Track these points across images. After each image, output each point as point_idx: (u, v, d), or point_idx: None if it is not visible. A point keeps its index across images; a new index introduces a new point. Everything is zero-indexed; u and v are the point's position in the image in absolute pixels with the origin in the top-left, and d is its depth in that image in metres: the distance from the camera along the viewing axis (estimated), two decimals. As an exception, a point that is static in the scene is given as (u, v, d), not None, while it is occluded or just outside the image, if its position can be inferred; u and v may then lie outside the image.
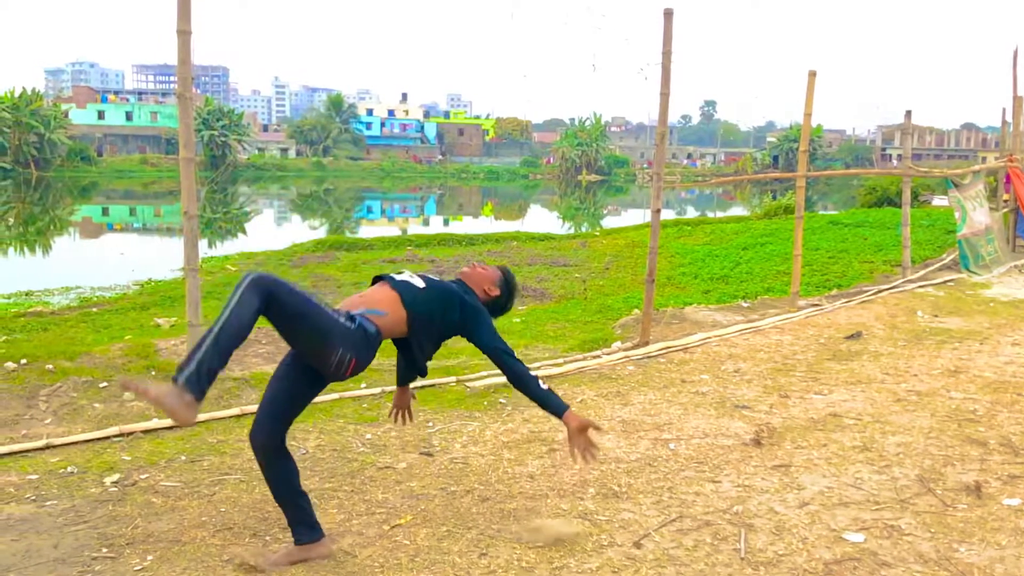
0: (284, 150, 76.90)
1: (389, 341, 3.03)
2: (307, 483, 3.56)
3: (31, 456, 3.88)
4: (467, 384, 5.14)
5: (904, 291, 8.77)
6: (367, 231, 24.44)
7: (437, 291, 3.04)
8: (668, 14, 6.07)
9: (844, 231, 14.00)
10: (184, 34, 4.70)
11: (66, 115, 60.72)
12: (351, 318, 2.82)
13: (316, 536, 2.90)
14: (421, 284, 3.03)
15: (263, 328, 6.12)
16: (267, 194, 49.21)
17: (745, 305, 8.12)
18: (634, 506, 3.41)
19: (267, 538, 3.09)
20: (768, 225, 15.91)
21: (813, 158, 61.13)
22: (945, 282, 9.33)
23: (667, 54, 6.12)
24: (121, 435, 4.14)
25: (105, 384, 4.86)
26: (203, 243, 17.96)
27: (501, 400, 4.88)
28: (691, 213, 34.00)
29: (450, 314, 3.04)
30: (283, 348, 3.36)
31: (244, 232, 24.06)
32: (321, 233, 22.44)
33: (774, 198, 24.22)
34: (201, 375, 2.45)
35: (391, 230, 23.70)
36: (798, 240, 8.05)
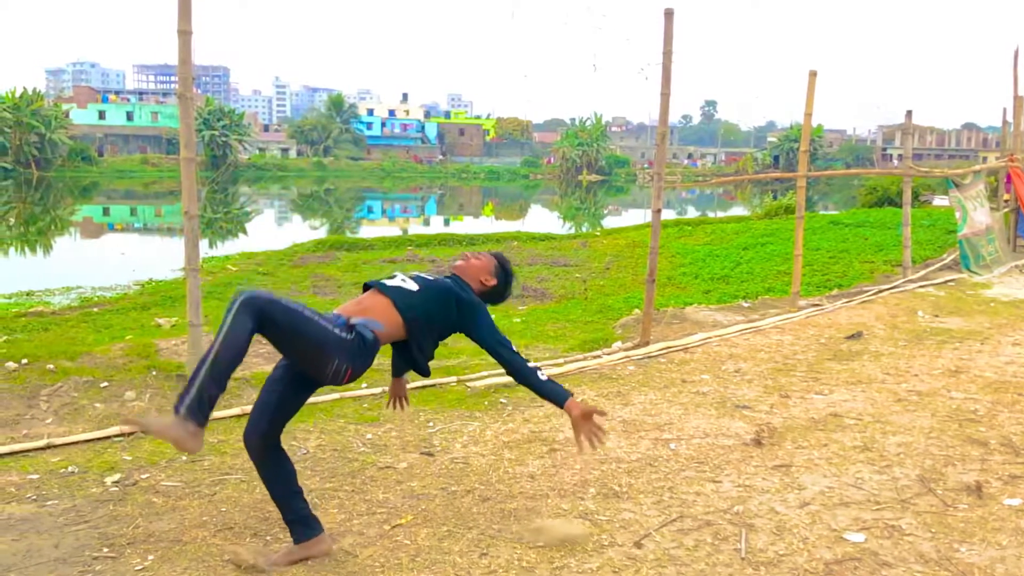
0: (285, 150, 76.93)
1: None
2: (308, 483, 3.57)
3: (32, 456, 3.88)
4: (468, 384, 5.14)
5: (905, 291, 8.77)
6: (368, 231, 24.45)
7: (432, 292, 3.01)
8: (669, 14, 6.07)
9: (845, 231, 14.00)
10: (185, 34, 4.71)
11: (67, 115, 60.79)
12: (348, 328, 2.79)
13: (315, 532, 2.90)
14: (414, 287, 2.99)
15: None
16: (268, 194, 49.22)
17: (746, 305, 8.12)
18: (635, 506, 3.41)
19: (268, 538, 3.10)
20: (769, 225, 15.91)
21: (814, 158, 61.08)
22: (946, 282, 9.32)
23: (668, 54, 6.12)
24: (122, 435, 4.15)
25: (106, 384, 4.86)
26: (204, 243, 17.96)
27: (502, 400, 4.88)
28: (692, 213, 34.00)
29: (448, 313, 3.01)
30: (284, 348, 3.36)
31: (245, 232, 24.07)
32: (322, 233, 22.44)
33: (775, 198, 24.18)
34: (202, 403, 2.48)
35: (392, 230, 23.70)
36: (799, 240, 8.05)
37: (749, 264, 11.39)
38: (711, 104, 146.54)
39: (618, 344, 6.32)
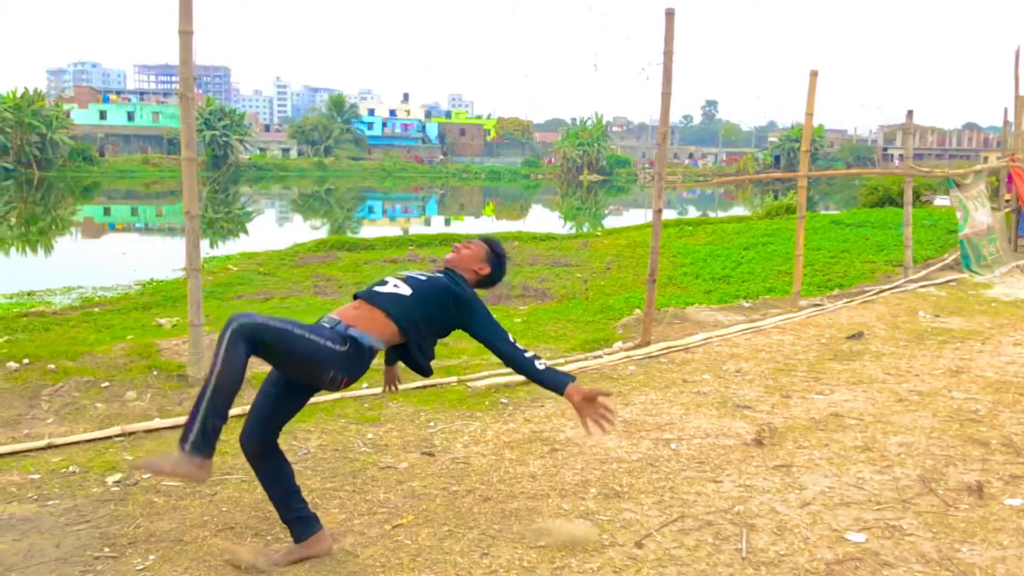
0: (286, 150, 76.99)
1: None
2: (309, 483, 3.57)
3: (33, 456, 3.88)
4: (468, 384, 5.14)
5: (906, 291, 8.76)
6: (369, 231, 24.45)
7: (427, 293, 2.95)
8: (669, 14, 6.07)
9: (846, 231, 13.99)
10: (186, 34, 4.71)
11: (68, 115, 60.86)
12: (344, 339, 2.76)
13: (314, 530, 2.90)
14: (408, 291, 2.94)
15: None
16: (268, 194, 49.23)
17: (747, 305, 8.12)
18: (636, 506, 3.41)
19: (268, 537, 3.10)
20: (769, 225, 15.91)
21: (815, 158, 61.12)
22: (947, 282, 9.32)
23: (668, 54, 6.12)
24: (123, 435, 4.15)
25: (107, 384, 4.86)
26: (205, 243, 17.98)
27: (503, 400, 4.88)
28: (693, 213, 34.00)
29: (446, 311, 2.98)
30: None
31: (246, 232, 24.07)
32: (323, 233, 22.44)
33: (776, 198, 24.17)
34: (207, 435, 2.52)
35: (393, 230, 23.69)
36: (800, 240, 8.05)
37: (750, 264, 11.39)
38: (712, 104, 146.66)
39: (619, 344, 6.32)
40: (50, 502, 3.38)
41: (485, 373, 5.34)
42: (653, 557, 2.98)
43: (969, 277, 9.66)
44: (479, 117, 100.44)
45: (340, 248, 14.72)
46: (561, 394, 2.89)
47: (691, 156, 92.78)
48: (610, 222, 27.31)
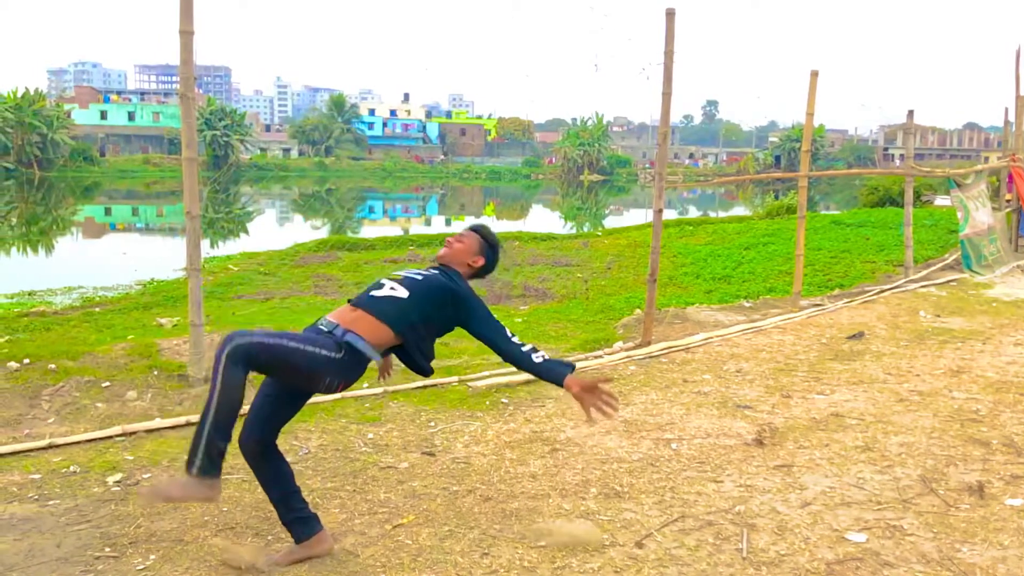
0: (286, 150, 77.02)
1: None
2: (309, 483, 3.57)
3: (34, 456, 3.88)
4: (469, 384, 5.14)
5: (906, 291, 8.76)
6: (369, 231, 24.45)
7: (424, 293, 2.92)
8: (670, 14, 6.07)
9: (846, 231, 13.99)
10: (186, 34, 4.71)
11: (69, 115, 60.91)
12: (339, 346, 2.74)
13: (315, 530, 2.90)
14: (404, 293, 2.90)
15: (265, 328, 6.13)
16: (269, 194, 49.25)
17: (747, 305, 8.12)
18: (636, 506, 3.41)
19: (269, 537, 3.10)
20: (770, 225, 15.90)
21: (815, 158, 61.02)
22: (947, 282, 9.32)
23: (669, 54, 6.12)
24: (124, 435, 4.15)
25: (108, 384, 4.86)
26: (205, 243, 17.97)
27: (503, 400, 4.88)
28: (693, 213, 34.00)
29: (443, 310, 2.94)
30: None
31: (246, 232, 24.08)
32: (323, 233, 22.44)
33: (776, 198, 24.17)
34: (212, 458, 2.56)
35: (393, 230, 23.69)
36: (800, 240, 8.04)
37: (751, 264, 11.39)
38: (712, 104, 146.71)
39: (619, 344, 6.32)
40: (51, 502, 3.38)
41: (486, 373, 5.34)
42: (654, 557, 2.98)
43: (970, 277, 9.66)
44: (480, 117, 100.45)
45: (341, 248, 14.72)
46: (561, 385, 2.85)
47: (692, 156, 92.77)
48: (611, 222, 27.31)
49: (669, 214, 24.35)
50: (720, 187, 56.83)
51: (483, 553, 2.98)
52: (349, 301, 2.95)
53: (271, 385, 2.88)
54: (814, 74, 7.88)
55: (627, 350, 6.11)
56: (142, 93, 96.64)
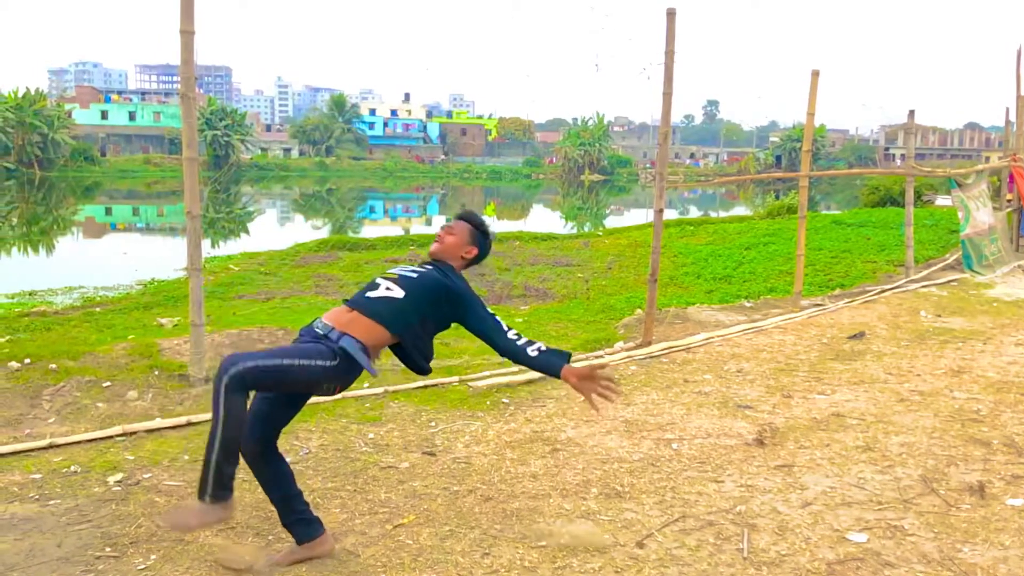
0: (287, 150, 77.05)
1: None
2: (310, 483, 3.57)
3: (34, 455, 3.88)
4: (470, 384, 5.14)
5: (907, 291, 8.76)
6: (370, 231, 24.45)
7: (419, 292, 2.89)
8: (671, 14, 6.06)
9: (847, 231, 13.98)
10: (187, 34, 4.71)
11: (69, 115, 60.94)
12: (335, 353, 2.72)
13: (317, 533, 2.90)
14: (400, 293, 2.86)
15: (265, 328, 6.12)
16: (270, 194, 49.27)
17: (748, 305, 8.11)
18: (637, 506, 3.41)
19: (270, 537, 3.10)
20: (771, 225, 15.89)
21: (816, 158, 61.05)
22: (948, 282, 9.31)
23: (670, 54, 6.12)
24: (124, 434, 4.15)
25: (108, 384, 4.87)
26: (206, 243, 17.98)
27: (504, 400, 4.88)
28: (694, 213, 33.99)
29: (439, 308, 2.91)
30: (286, 348, 3.35)
31: (247, 232, 24.08)
32: (324, 233, 22.44)
33: (777, 198, 24.19)
34: (224, 483, 2.59)
35: (394, 230, 23.68)
36: (801, 240, 8.04)
37: (751, 264, 11.38)
38: (713, 104, 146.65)
39: (620, 344, 6.32)
40: (52, 502, 3.38)
41: (486, 373, 5.34)
42: (654, 557, 2.97)
43: (971, 277, 9.66)
44: (480, 117, 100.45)
45: (341, 248, 14.72)
46: (558, 377, 2.82)
47: (692, 156, 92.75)
48: (611, 222, 27.31)
49: (670, 214, 24.34)
50: (721, 187, 56.82)
51: (484, 553, 2.98)
52: (345, 301, 2.93)
53: None
54: (815, 74, 7.88)
55: (628, 350, 6.11)
56: (143, 93, 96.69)
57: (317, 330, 2.82)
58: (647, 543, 3.08)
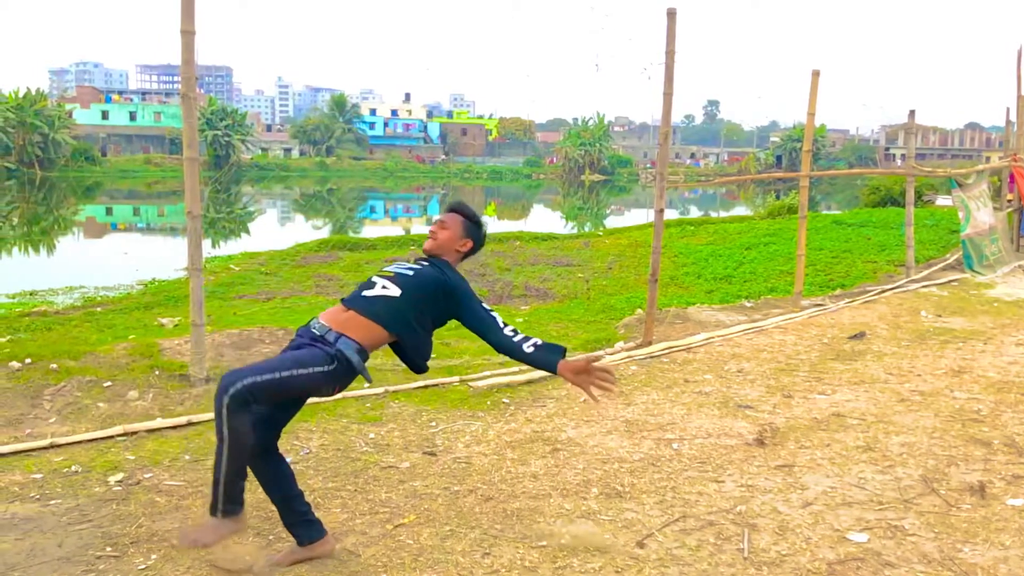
0: (287, 150, 77.07)
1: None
2: (310, 483, 3.57)
3: (35, 455, 3.89)
4: (470, 384, 5.14)
5: (908, 291, 8.75)
6: (370, 231, 24.45)
7: (416, 290, 2.86)
8: (671, 14, 6.06)
9: (848, 231, 13.98)
10: (188, 34, 4.72)
11: (70, 115, 60.95)
12: (332, 358, 2.71)
13: (319, 535, 2.90)
14: (397, 291, 2.84)
15: (266, 328, 6.13)
16: (270, 194, 49.27)
17: (748, 305, 8.11)
18: (637, 506, 3.41)
19: (271, 537, 3.10)
20: (771, 225, 15.89)
21: (817, 158, 61.02)
22: (949, 282, 9.31)
23: (670, 54, 6.12)
24: (125, 434, 4.15)
25: (109, 383, 4.87)
26: (207, 243, 17.96)
27: (504, 400, 4.88)
28: (694, 213, 33.99)
29: (436, 304, 2.89)
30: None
31: (247, 232, 24.09)
32: (324, 233, 22.45)
33: (777, 198, 24.18)
34: (235, 498, 2.64)
35: (394, 230, 23.69)
36: (801, 240, 8.04)
37: (752, 264, 11.38)
38: (714, 104, 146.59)
39: (621, 344, 6.32)
40: (52, 501, 3.38)
41: (487, 373, 5.35)
42: (655, 557, 2.98)
43: (971, 277, 9.65)
44: (481, 117, 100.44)
45: (342, 248, 14.72)
46: (554, 373, 2.80)
47: (693, 156, 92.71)
48: (612, 222, 27.32)
49: (670, 214, 24.33)
50: (721, 187, 56.80)
51: (484, 553, 2.98)
52: (342, 300, 2.92)
53: None
54: (815, 74, 7.87)
55: (628, 350, 6.11)
56: (143, 93, 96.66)
57: (314, 331, 2.81)
58: (647, 543, 3.08)
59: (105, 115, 72.58)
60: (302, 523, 2.88)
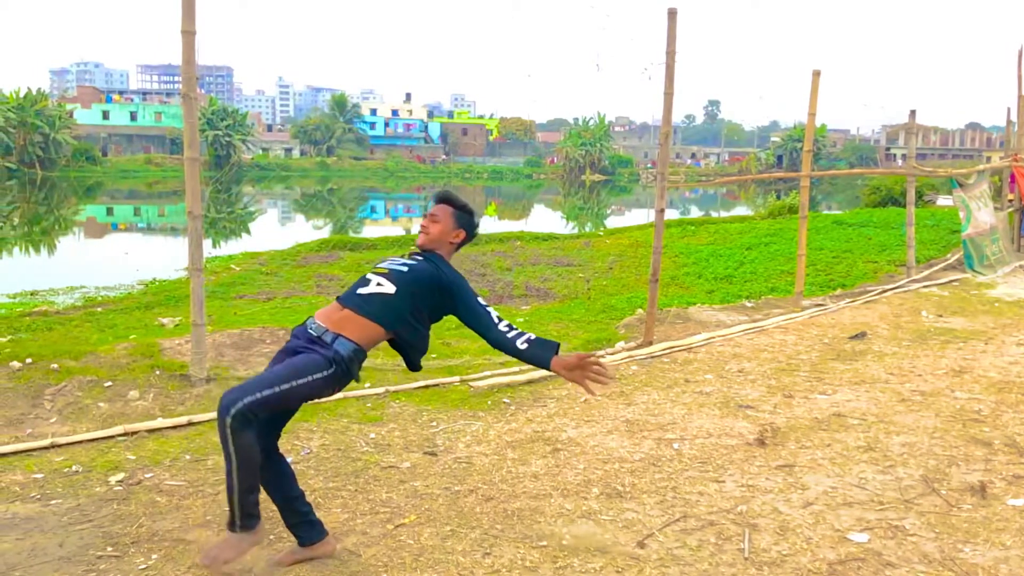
0: (288, 150, 77.07)
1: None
2: (311, 483, 3.57)
3: (36, 455, 3.89)
4: (471, 384, 5.14)
5: (908, 291, 8.75)
6: (371, 231, 24.47)
7: (411, 286, 2.84)
8: (672, 14, 6.06)
9: (848, 231, 13.98)
10: (188, 34, 4.72)
11: (71, 115, 60.94)
12: (329, 362, 2.70)
13: (320, 535, 2.90)
14: (392, 289, 2.82)
15: (267, 328, 6.13)
16: (271, 194, 49.29)
17: (749, 305, 8.11)
18: (638, 506, 3.41)
19: (271, 537, 3.09)
20: (772, 225, 15.89)
21: (817, 158, 60.99)
22: (950, 282, 9.31)
23: (671, 54, 6.12)
24: (126, 434, 4.15)
25: (110, 383, 4.87)
26: (207, 243, 17.98)
27: (505, 400, 4.88)
28: (695, 213, 33.99)
29: (432, 299, 2.87)
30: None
31: (248, 232, 24.10)
32: (325, 233, 22.45)
33: (778, 198, 24.16)
34: (251, 512, 2.66)
35: (395, 230, 23.72)
36: (802, 240, 8.04)
37: (752, 264, 11.38)
38: (714, 104, 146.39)
39: (621, 344, 6.32)
40: (53, 501, 3.39)
41: (487, 373, 5.35)
42: (655, 557, 2.97)
43: (972, 277, 9.65)
44: (481, 117, 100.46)
45: (343, 248, 14.73)
46: (548, 369, 2.78)
47: (693, 156, 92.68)
48: (612, 222, 27.33)
49: (671, 214, 24.34)
50: (722, 187, 56.80)
51: (485, 553, 2.98)
52: (337, 298, 2.90)
53: None
54: (816, 74, 7.87)
55: (629, 350, 6.11)
56: (144, 93, 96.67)
57: (311, 331, 2.79)
58: (648, 543, 3.08)
59: (106, 115, 72.59)
60: (303, 524, 2.89)
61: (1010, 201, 12.49)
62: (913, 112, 10.48)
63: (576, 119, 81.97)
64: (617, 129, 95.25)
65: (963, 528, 3.21)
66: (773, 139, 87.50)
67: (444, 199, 3.06)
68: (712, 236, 14.88)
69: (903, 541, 3.10)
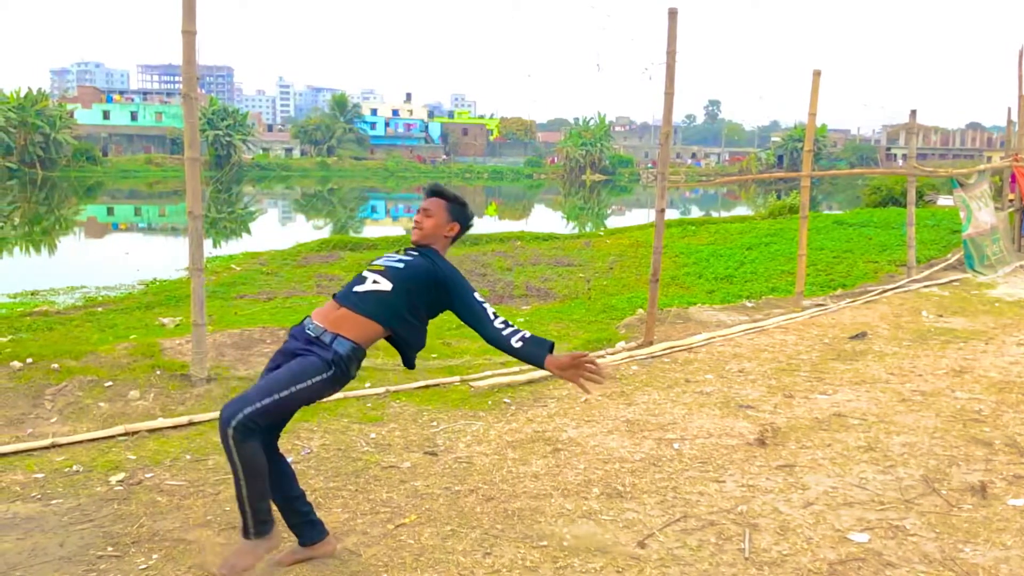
0: (288, 150, 77.09)
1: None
2: (311, 482, 3.57)
3: (37, 455, 3.89)
4: (471, 384, 5.14)
5: (909, 291, 8.75)
6: (371, 231, 24.48)
7: (407, 282, 2.83)
8: (672, 14, 6.06)
9: (849, 231, 13.97)
10: (189, 34, 4.72)
11: (71, 115, 60.95)
12: (328, 364, 2.70)
13: (321, 535, 2.90)
14: (388, 286, 2.81)
15: (267, 328, 6.13)
16: (271, 194, 49.30)
17: (749, 305, 8.11)
18: (638, 506, 3.41)
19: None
20: (772, 225, 15.88)
21: (818, 158, 61.02)
22: (950, 282, 9.31)
23: (671, 54, 6.12)
24: (126, 434, 4.16)
25: (110, 383, 4.87)
26: (208, 243, 17.98)
27: (505, 400, 4.88)
28: (695, 213, 33.98)
29: (428, 294, 2.86)
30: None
31: (248, 232, 24.11)
32: (325, 233, 22.46)
33: (779, 198, 24.16)
34: (264, 518, 2.68)
35: (395, 230, 23.71)
36: (803, 240, 8.04)
37: (753, 264, 11.38)
38: (715, 104, 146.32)
39: (622, 344, 6.32)
40: (54, 501, 3.39)
41: (488, 373, 5.35)
42: (656, 557, 2.98)
43: (972, 277, 9.65)
44: (482, 117, 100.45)
45: (343, 248, 14.72)
46: (542, 368, 2.76)
47: (694, 156, 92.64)
48: (613, 222, 27.33)
49: (671, 214, 24.35)
50: (722, 187, 56.78)
51: (485, 553, 2.99)
52: (334, 297, 2.89)
53: None
54: (817, 74, 7.87)
55: (629, 350, 6.11)
56: (145, 93, 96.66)
57: (309, 332, 2.79)
58: (648, 543, 3.08)
59: (106, 115, 72.62)
60: (304, 523, 2.89)
61: (1010, 201, 12.49)
62: (913, 112, 10.48)
63: (576, 119, 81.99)
64: (617, 129, 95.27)
65: (963, 528, 3.21)
66: (773, 139, 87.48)
67: (435, 192, 3.04)
68: (712, 236, 14.87)
69: (903, 541, 3.10)
